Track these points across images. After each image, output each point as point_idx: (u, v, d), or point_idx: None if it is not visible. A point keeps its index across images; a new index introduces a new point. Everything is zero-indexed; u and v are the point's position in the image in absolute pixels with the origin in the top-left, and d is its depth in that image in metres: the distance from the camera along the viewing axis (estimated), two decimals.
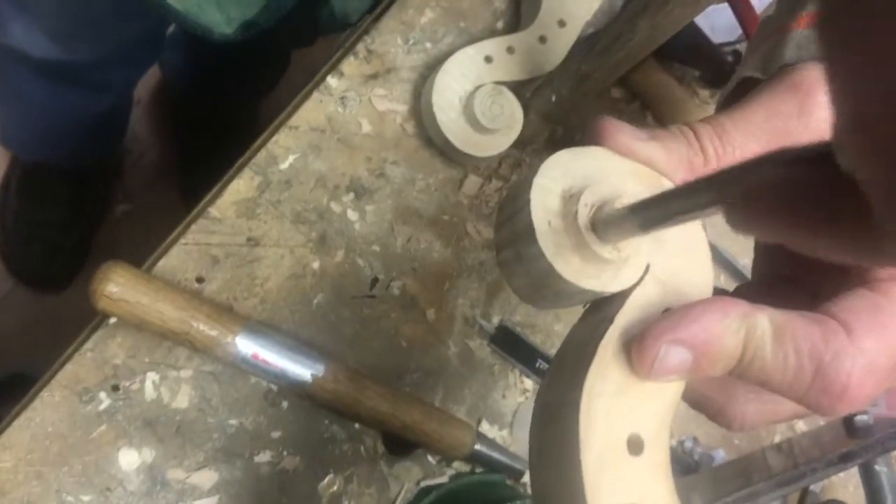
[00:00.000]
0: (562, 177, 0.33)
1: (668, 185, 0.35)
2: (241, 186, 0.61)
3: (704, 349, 0.29)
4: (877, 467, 0.63)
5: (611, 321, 0.32)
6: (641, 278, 0.33)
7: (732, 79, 0.50)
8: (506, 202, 0.35)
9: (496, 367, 0.67)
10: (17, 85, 1.16)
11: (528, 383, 0.68)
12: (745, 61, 0.49)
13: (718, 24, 0.81)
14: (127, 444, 0.55)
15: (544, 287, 0.34)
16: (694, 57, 0.80)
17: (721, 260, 0.79)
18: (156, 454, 0.55)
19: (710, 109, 0.84)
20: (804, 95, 0.38)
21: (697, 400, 0.37)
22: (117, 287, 0.53)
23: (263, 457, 0.58)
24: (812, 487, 0.75)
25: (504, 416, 0.67)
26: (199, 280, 0.59)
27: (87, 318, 0.57)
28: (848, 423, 0.64)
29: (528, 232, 0.32)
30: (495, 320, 0.68)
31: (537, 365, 0.68)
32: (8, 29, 0.98)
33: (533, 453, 0.34)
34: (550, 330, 0.70)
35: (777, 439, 0.77)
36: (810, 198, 0.21)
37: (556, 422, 0.32)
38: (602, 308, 0.34)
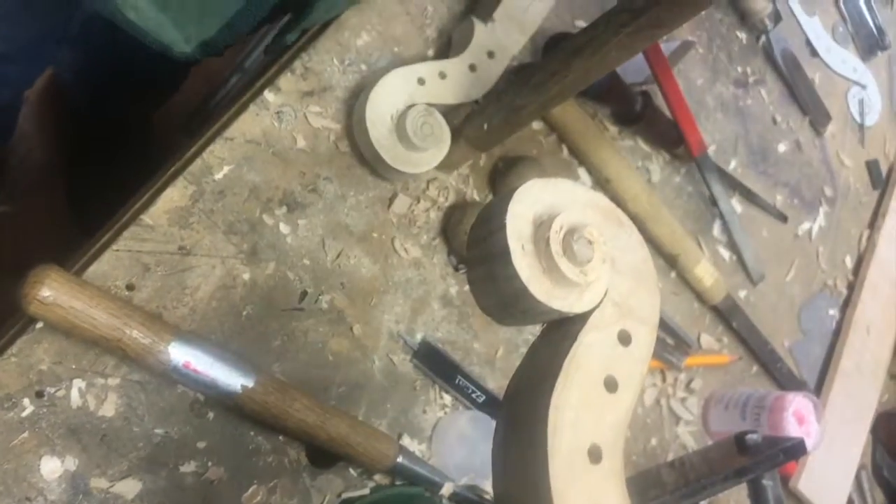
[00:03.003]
0: (533, 204, 0.36)
1: (622, 216, 0.39)
2: (174, 195, 0.61)
3: None
4: (764, 481, 0.68)
5: (574, 339, 0.35)
6: (601, 301, 0.37)
7: None
8: (478, 224, 0.37)
9: (418, 383, 0.69)
10: None
11: (448, 399, 0.70)
12: None
13: (629, 65, 0.86)
14: (49, 452, 0.53)
15: (513, 305, 0.36)
16: (607, 95, 0.86)
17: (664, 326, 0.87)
18: (79, 462, 0.54)
19: (621, 145, 0.89)
20: None
21: None
22: (50, 291, 0.51)
23: (188, 467, 0.58)
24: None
25: (424, 431, 0.69)
26: (130, 287, 0.58)
27: None
28: (739, 441, 0.70)
29: (504, 254, 0.35)
30: (419, 336, 0.70)
31: (457, 381, 0.70)
32: None
33: (497, 463, 0.36)
34: (470, 348, 0.73)
35: (671, 457, 0.83)
36: None
37: (522, 433, 0.35)
38: (564, 327, 0.37)
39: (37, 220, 1.51)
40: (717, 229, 0.97)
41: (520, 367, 0.38)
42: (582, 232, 0.35)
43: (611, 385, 0.35)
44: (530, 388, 0.36)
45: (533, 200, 0.36)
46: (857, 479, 1.02)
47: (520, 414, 0.35)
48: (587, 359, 0.35)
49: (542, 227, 0.36)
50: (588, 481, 0.33)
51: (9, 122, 1.32)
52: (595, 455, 0.34)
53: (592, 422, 0.34)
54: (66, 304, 0.52)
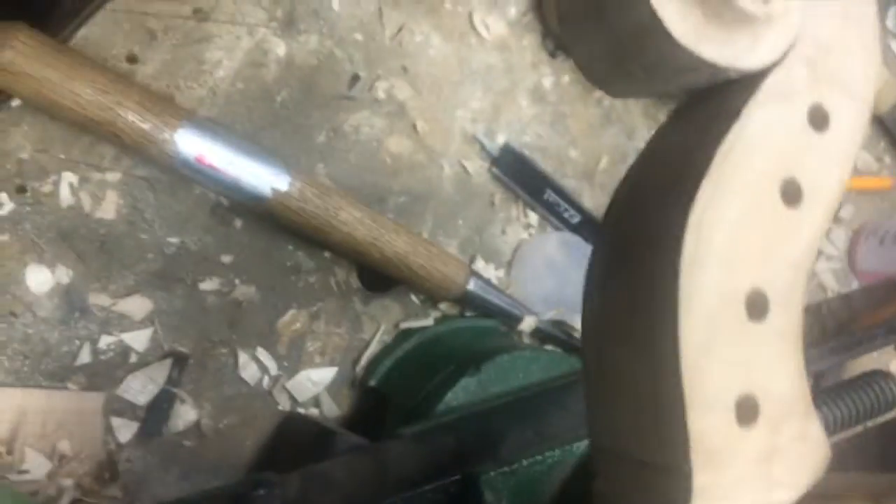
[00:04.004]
0: None
1: None
2: None
3: None
4: None
5: (735, 117, 0.21)
6: (786, 54, 0.22)
7: None
8: None
9: (497, 196, 0.57)
10: None
11: (534, 217, 0.58)
12: None
13: None
14: (37, 260, 0.43)
15: (636, 53, 0.22)
16: None
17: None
18: (74, 274, 0.44)
19: None
20: None
21: None
22: (18, 55, 0.40)
23: (210, 284, 0.48)
24: None
25: (502, 255, 0.57)
26: (132, 59, 0.46)
27: None
28: None
29: None
30: (500, 139, 0.56)
31: (546, 196, 0.57)
32: None
33: (591, 316, 0.23)
34: (564, 156, 0.59)
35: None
36: None
37: (636, 269, 0.22)
38: (718, 98, 0.22)
39: None
40: (891, 16, 0.77)
41: (634, 168, 0.24)
42: None
43: (792, 194, 0.21)
44: (653, 199, 0.22)
45: None
46: None
47: (633, 237, 0.22)
48: (756, 149, 0.21)
49: None
50: (742, 346, 0.21)
51: None
52: (757, 306, 0.21)
53: (758, 252, 0.21)
54: (39, 74, 0.41)
